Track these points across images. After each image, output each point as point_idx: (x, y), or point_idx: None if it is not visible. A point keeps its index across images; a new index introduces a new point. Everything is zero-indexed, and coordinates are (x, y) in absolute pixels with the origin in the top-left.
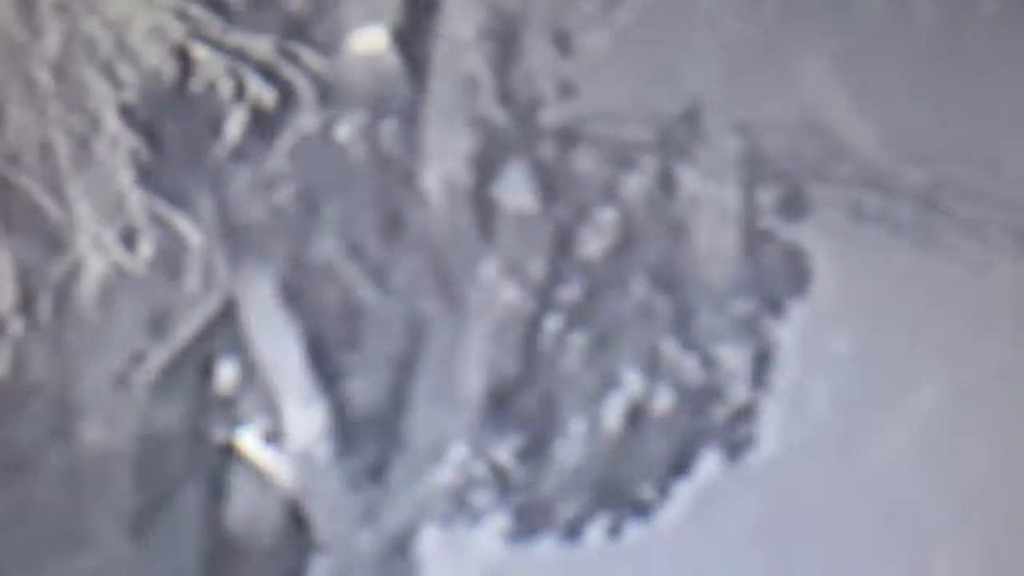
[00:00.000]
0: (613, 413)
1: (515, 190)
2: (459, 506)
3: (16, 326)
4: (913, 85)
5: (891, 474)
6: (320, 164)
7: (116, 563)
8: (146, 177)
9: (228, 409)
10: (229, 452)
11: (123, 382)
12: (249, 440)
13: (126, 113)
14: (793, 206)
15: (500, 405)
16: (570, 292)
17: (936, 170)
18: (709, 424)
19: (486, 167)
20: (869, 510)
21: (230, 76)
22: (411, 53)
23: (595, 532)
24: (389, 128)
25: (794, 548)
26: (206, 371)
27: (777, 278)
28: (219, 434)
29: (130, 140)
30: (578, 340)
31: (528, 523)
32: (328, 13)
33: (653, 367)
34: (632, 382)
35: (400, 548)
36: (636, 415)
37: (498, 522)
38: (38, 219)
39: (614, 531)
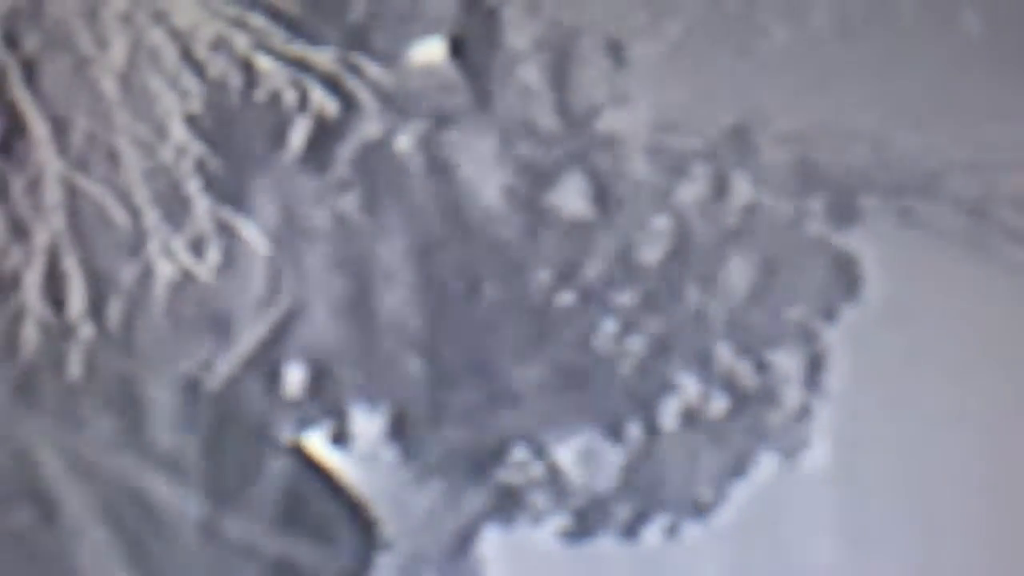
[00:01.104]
0: (669, 416)
1: (571, 198)
2: (520, 506)
3: (87, 331)
4: (961, 94)
5: (944, 475)
6: (382, 172)
7: (186, 561)
8: (212, 185)
9: (295, 412)
10: (297, 454)
11: (192, 387)
12: (316, 442)
13: (192, 122)
14: (843, 213)
15: (558, 408)
16: (626, 297)
17: (985, 179)
18: (764, 427)
19: (543, 175)
20: (922, 510)
21: (293, 86)
22: (469, 64)
23: (652, 532)
24: (448, 137)
25: (849, 547)
26: (273, 376)
27: (828, 284)
28: (287, 437)
29: (196, 148)
30: (634, 345)
31: (586, 523)
32: (388, 24)
33: (708, 371)
34: (687, 386)
35: (463, 547)
36: (692, 418)
37: (557, 522)
38: (108, 226)
39: (672, 531)
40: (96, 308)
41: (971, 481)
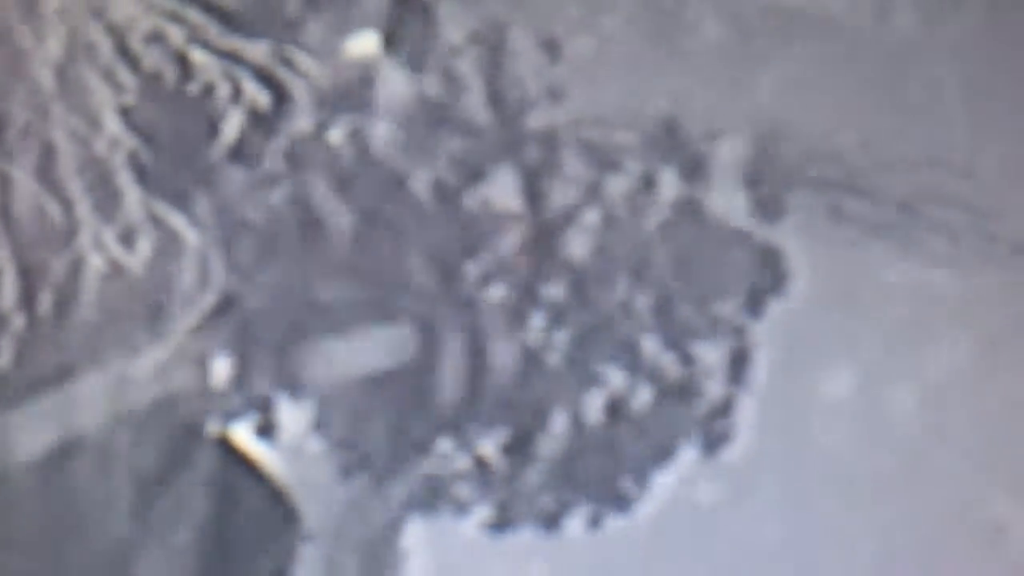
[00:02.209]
0: (594, 408)
1: (502, 192)
2: (443, 498)
3: (18, 322)
4: (891, 90)
5: (862, 469)
6: (314, 165)
7: (113, 554)
8: (145, 177)
9: (222, 403)
10: (223, 445)
11: (121, 377)
12: (242, 434)
13: (126, 115)
14: (771, 208)
15: (484, 400)
16: (555, 291)
17: (913, 175)
18: (687, 419)
19: (474, 169)
20: (840, 503)
21: (227, 79)
22: (402, 57)
23: (575, 523)
24: (380, 131)
25: (766, 540)
26: (201, 367)
27: (754, 278)
28: (213, 428)
29: (129, 141)
30: (562, 337)
31: (509, 514)
32: (322, 18)
33: (634, 364)
34: (613, 378)
35: (386, 538)
36: (616, 410)
37: (481, 513)
38: (39, 218)
39: (594, 522)
40: (27, 299)
41: (896, 474)
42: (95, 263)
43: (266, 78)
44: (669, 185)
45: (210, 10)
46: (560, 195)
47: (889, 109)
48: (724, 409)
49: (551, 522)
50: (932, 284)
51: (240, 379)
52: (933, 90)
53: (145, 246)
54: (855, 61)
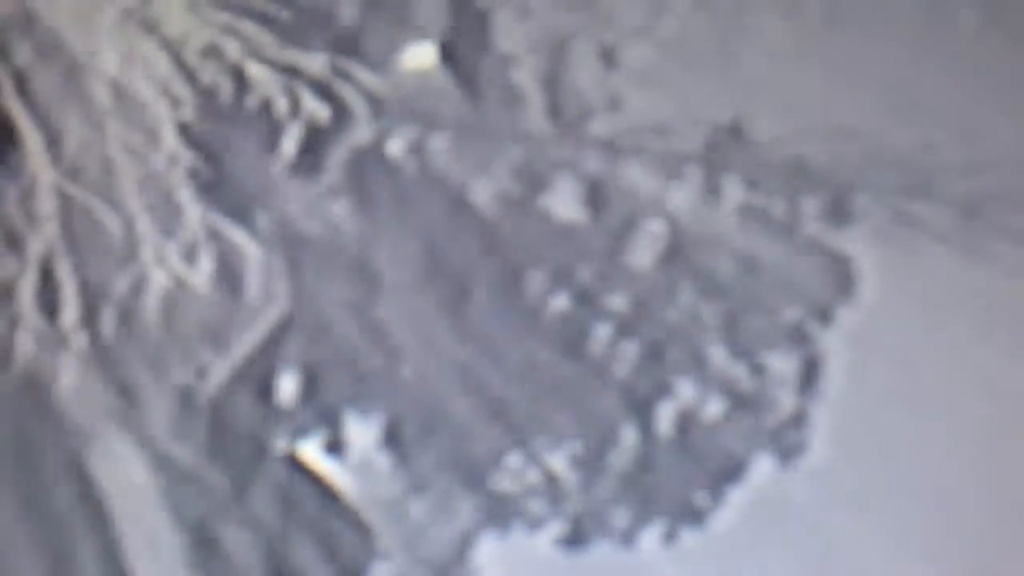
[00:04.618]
0: (665, 421)
1: (564, 201)
2: (515, 514)
3: (81, 340)
4: (955, 94)
5: (939, 476)
6: (373, 177)
7: (182, 571)
8: (204, 193)
9: (289, 421)
10: (291, 463)
11: (187, 396)
12: (310, 451)
13: (184, 130)
14: (837, 214)
15: (553, 414)
16: (619, 301)
17: (978, 178)
18: (760, 431)
19: (535, 179)
20: (917, 511)
21: (285, 93)
22: (460, 69)
23: (650, 538)
24: (439, 142)
25: (842, 551)
26: (267, 384)
27: (823, 285)
28: (281, 445)
29: (188, 157)
30: (629, 348)
31: (583, 530)
32: (378, 30)
33: (703, 375)
34: (683, 390)
35: (459, 556)
36: (687, 422)
37: (554, 529)
38: (100, 235)
39: (669, 537)
40: (90, 317)
41: (970, 481)
42: (158, 279)
43: (324, 91)
44: (732, 193)
45: (265, 23)
46: (623, 204)
47: (952, 110)
48: (797, 419)
49: (626, 537)
50: (999, 290)
51: (307, 395)
52: (996, 91)
53: (207, 262)
54: (917, 63)
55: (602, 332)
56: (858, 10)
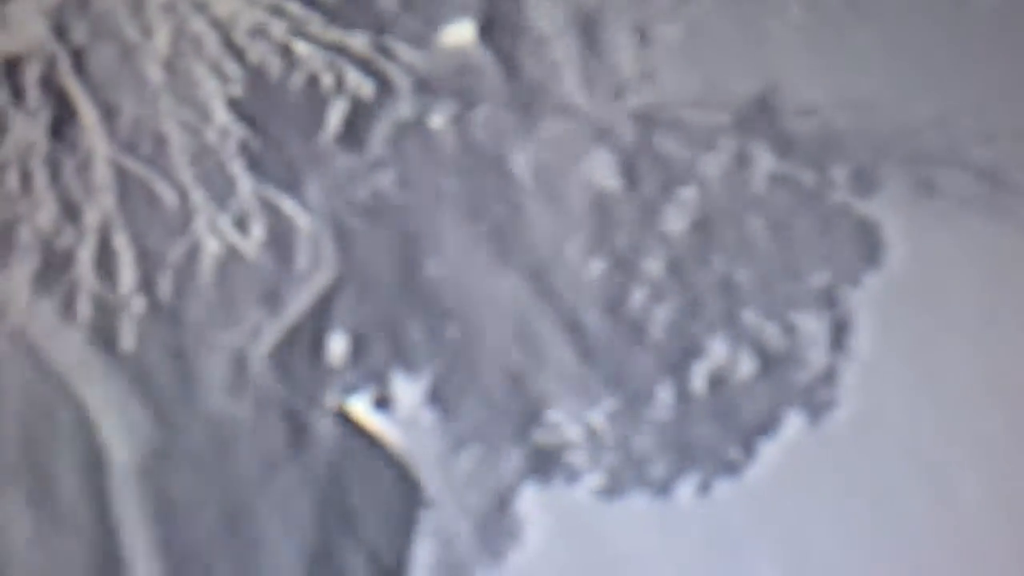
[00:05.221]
0: (699, 379)
1: (600, 172)
2: (557, 466)
3: (138, 305)
4: (973, 64)
5: (967, 435)
6: (416, 150)
7: (237, 520)
8: (255, 165)
9: (339, 379)
10: (341, 418)
11: (241, 356)
12: (359, 407)
13: (234, 106)
14: (864, 182)
15: (592, 372)
16: (655, 265)
17: (1001, 145)
18: (791, 388)
19: (572, 151)
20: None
21: (330, 70)
22: (498, 45)
23: (685, 489)
24: (479, 116)
25: (872, 505)
26: (317, 345)
27: (851, 250)
28: (331, 402)
29: (239, 131)
30: (664, 310)
31: (621, 481)
32: (418, 8)
33: (735, 335)
34: (716, 350)
35: (502, 505)
36: (720, 380)
37: (593, 480)
38: (155, 205)
39: (704, 488)
40: (147, 283)
41: (994, 441)
42: (211, 247)
43: (367, 67)
44: (762, 161)
45: (310, 3)
46: (657, 173)
47: (972, 81)
48: (828, 377)
49: (662, 488)
50: (1021, 251)
51: (356, 355)
52: (1014, 63)
53: (259, 230)
54: (938, 37)
55: (638, 295)
56: None
